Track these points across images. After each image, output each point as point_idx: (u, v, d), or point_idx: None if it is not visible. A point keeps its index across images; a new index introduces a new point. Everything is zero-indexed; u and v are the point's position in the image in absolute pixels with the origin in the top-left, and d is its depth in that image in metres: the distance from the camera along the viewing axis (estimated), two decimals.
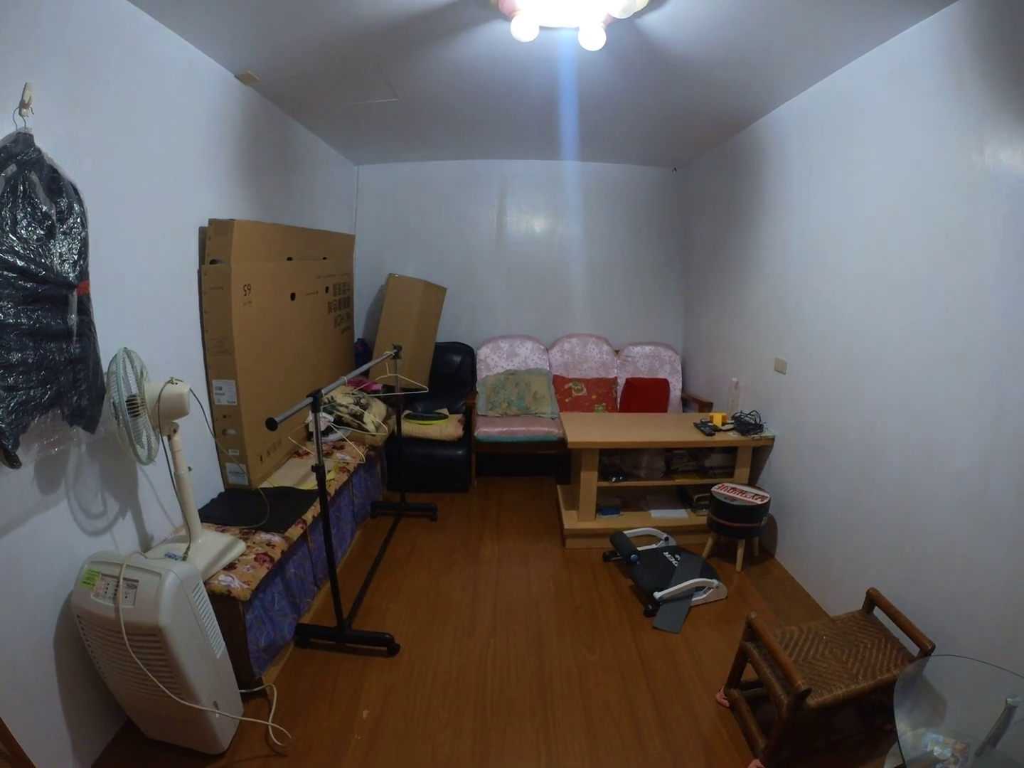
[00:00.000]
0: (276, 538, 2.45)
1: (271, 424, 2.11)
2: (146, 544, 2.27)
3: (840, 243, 2.86)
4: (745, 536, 3.33)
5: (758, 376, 3.76)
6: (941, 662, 2.01)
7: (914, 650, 2.13)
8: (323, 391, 2.44)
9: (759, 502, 3.23)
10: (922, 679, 1.95)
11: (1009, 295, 1.95)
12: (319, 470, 2.39)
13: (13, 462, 1.50)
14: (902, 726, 1.61)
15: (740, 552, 3.36)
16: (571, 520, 3.74)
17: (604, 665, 2.64)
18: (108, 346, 1.87)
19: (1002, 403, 1.97)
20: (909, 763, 1.53)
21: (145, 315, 2.23)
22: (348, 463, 3.30)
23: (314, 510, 2.72)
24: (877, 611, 2.34)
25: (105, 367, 1.86)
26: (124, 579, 1.71)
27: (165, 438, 2.06)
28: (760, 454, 3.67)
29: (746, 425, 3.60)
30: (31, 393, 1.49)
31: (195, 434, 2.43)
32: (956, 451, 2.17)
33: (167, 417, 1.98)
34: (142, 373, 1.93)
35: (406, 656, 2.65)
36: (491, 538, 3.81)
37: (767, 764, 2.05)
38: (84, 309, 1.70)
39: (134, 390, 1.89)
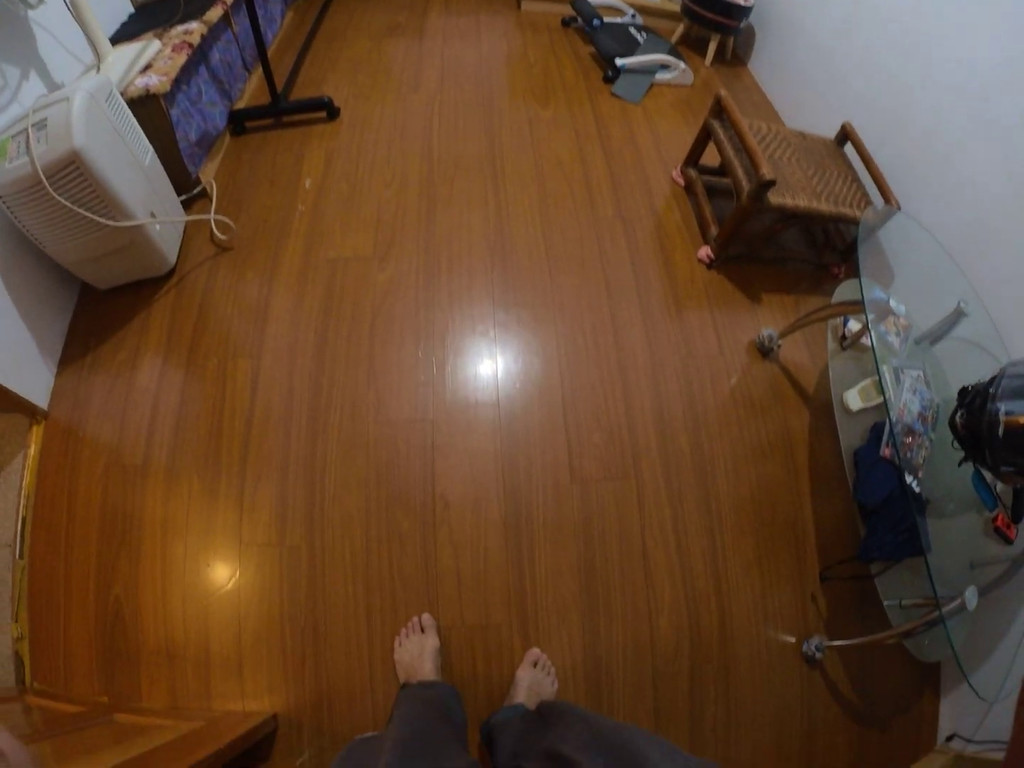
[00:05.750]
0: (194, 24, 2.14)
1: None
2: None
3: None
4: (720, 31, 3.02)
5: None
6: (902, 227, 1.91)
7: (879, 204, 2.01)
8: None
9: (743, 3, 2.88)
10: (878, 240, 1.88)
11: None
12: None
13: None
14: (863, 268, 1.47)
15: (712, 47, 3.10)
16: None
17: (557, 122, 2.56)
18: None
19: None
20: (868, 301, 1.43)
21: None
22: None
23: None
24: (848, 151, 2.16)
25: None
26: (32, 125, 1.51)
27: None
28: None
29: None
30: None
31: None
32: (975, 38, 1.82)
33: None
34: None
35: (347, 119, 2.53)
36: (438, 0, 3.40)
37: (717, 254, 2.08)
38: None
39: None
